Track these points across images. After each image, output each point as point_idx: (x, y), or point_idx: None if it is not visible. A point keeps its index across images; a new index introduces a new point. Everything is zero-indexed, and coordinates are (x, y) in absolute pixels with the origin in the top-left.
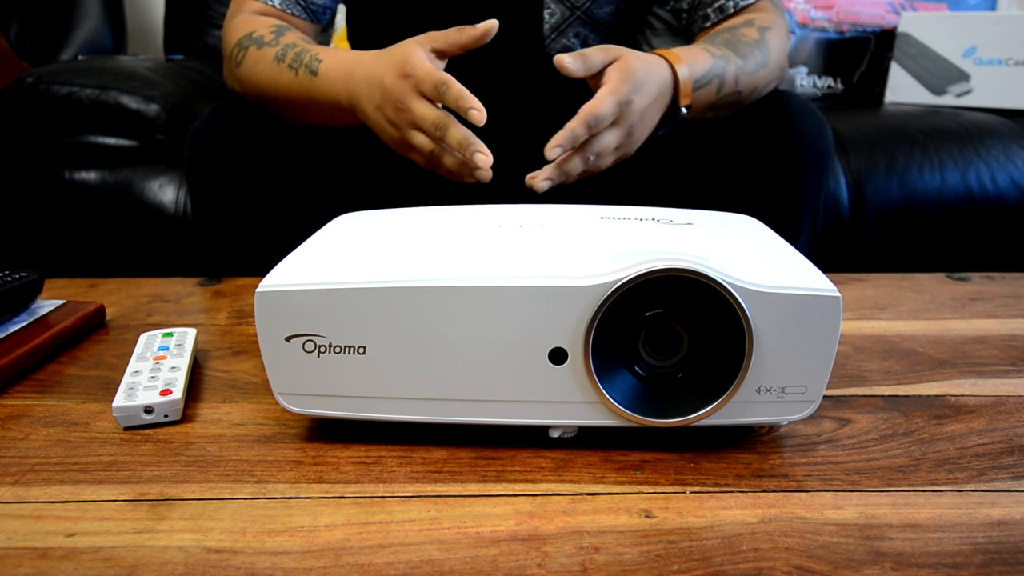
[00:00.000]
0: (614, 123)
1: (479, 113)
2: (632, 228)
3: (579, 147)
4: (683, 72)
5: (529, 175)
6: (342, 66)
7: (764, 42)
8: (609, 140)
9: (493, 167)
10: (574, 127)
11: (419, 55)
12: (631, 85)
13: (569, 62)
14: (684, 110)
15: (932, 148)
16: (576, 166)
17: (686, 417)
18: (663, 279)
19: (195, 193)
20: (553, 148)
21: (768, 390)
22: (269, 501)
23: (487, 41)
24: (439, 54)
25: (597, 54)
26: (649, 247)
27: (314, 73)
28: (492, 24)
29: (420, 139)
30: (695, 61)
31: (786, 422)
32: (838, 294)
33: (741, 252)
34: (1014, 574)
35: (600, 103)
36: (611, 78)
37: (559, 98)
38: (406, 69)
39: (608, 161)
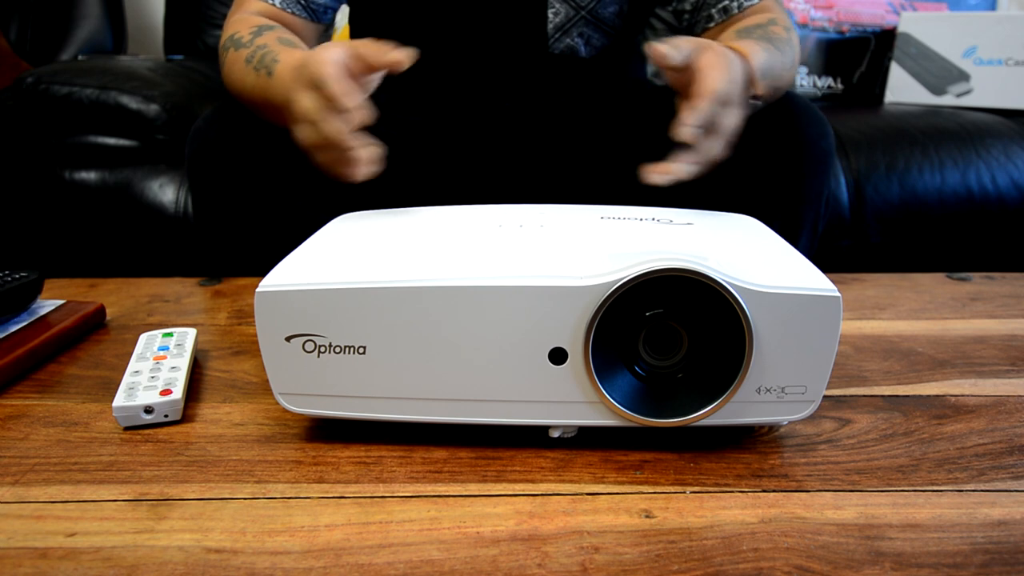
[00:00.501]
0: (731, 103)
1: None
2: (632, 228)
3: (710, 129)
4: (755, 62)
5: (657, 167)
6: (293, 65)
7: (791, 41)
8: (734, 119)
9: (495, 166)
10: (701, 106)
11: (327, 60)
12: (732, 71)
13: (669, 51)
14: (758, 101)
15: (932, 148)
16: (716, 148)
17: (686, 417)
18: (663, 279)
19: (196, 193)
20: (684, 128)
21: (768, 390)
22: (269, 501)
23: (401, 69)
24: (361, 67)
25: (687, 44)
26: (649, 247)
27: (270, 74)
28: (409, 54)
29: (304, 131)
30: (756, 54)
31: (786, 422)
32: (838, 294)
33: (741, 252)
34: (1014, 574)
35: (716, 81)
36: (711, 61)
37: (562, 97)
38: (304, 71)
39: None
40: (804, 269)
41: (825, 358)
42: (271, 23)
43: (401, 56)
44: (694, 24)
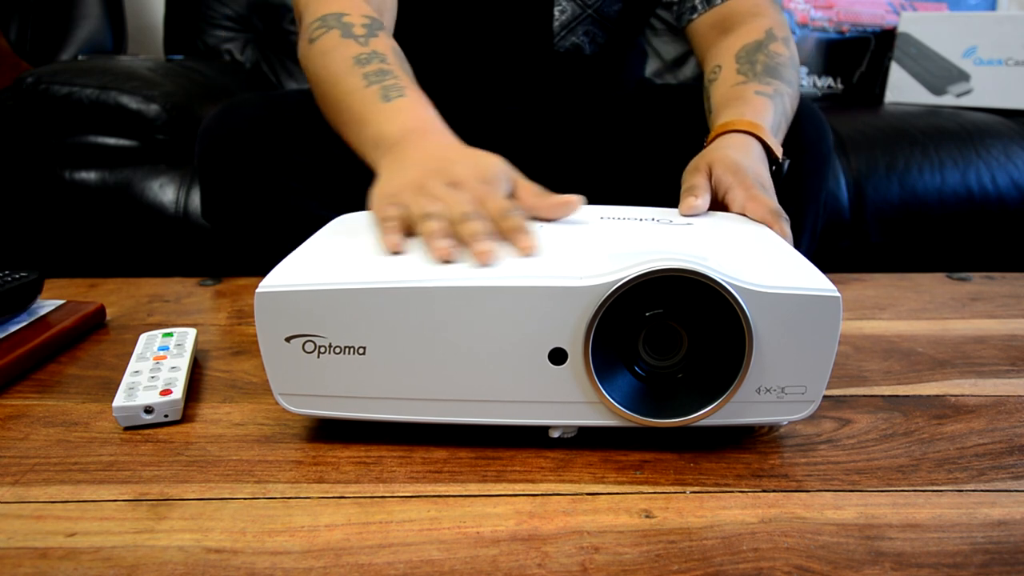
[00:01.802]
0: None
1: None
2: (632, 228)
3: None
4: (768, 138)
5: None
6: (419, 115)
7: (793, 56)
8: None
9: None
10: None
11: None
12: (744, 177)
13: (699, 205)
14: (786, 164)
15: (932, 148)
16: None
17: (686, 417)
18: (663, 279)
19: (205, 190)
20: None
21: (768, 390)
22: (269, 501)
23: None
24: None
25: (700, 180)
26: (649, 247)
27: (387, 99)
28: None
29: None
30: (764, 116)
31: (786, 422)
32: (838, 294)
33: (741, 252)
34: (1014, 574)
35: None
36: (736, 193)
37: (567, 96)
38: (488, 175)
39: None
40: (804, 269)
41: (825, 358)
42: (379, 17)
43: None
44: (681, 14)
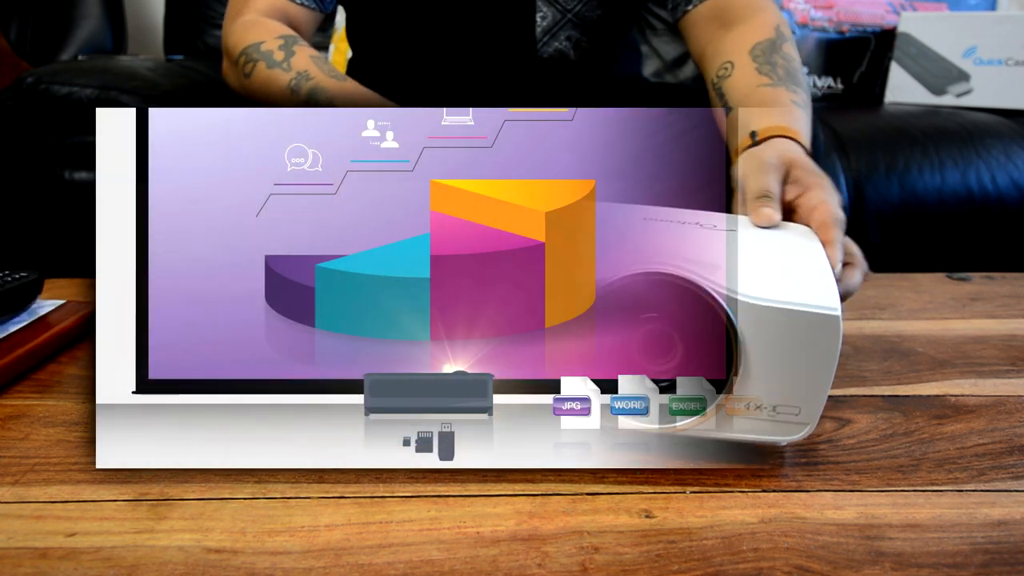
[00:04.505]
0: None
1: None
2: (661, 230)
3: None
4: (806, 143)
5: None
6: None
7: (799, 58)
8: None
9: None
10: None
11: None
12: (823, 180)
13: (776, 218)
14: None
15: (932, 148)
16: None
17: (672, 425)
18: (658, 283)
19: None
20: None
21: (758, 407)
22: (269, 501)
23: None
24: None
25: (774, 185)
26: (661, 249)
27: None
28: None
29: None
30: (805, 129)
31: (784, 443)
32: (838, 313)
33: (762, 262)
34: (1014, 574)
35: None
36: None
37: (551, 102)
38: None
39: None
40: (818, 284)
41: (822, 380)
42: (291, 33)
43: None
44: (675, 6)
